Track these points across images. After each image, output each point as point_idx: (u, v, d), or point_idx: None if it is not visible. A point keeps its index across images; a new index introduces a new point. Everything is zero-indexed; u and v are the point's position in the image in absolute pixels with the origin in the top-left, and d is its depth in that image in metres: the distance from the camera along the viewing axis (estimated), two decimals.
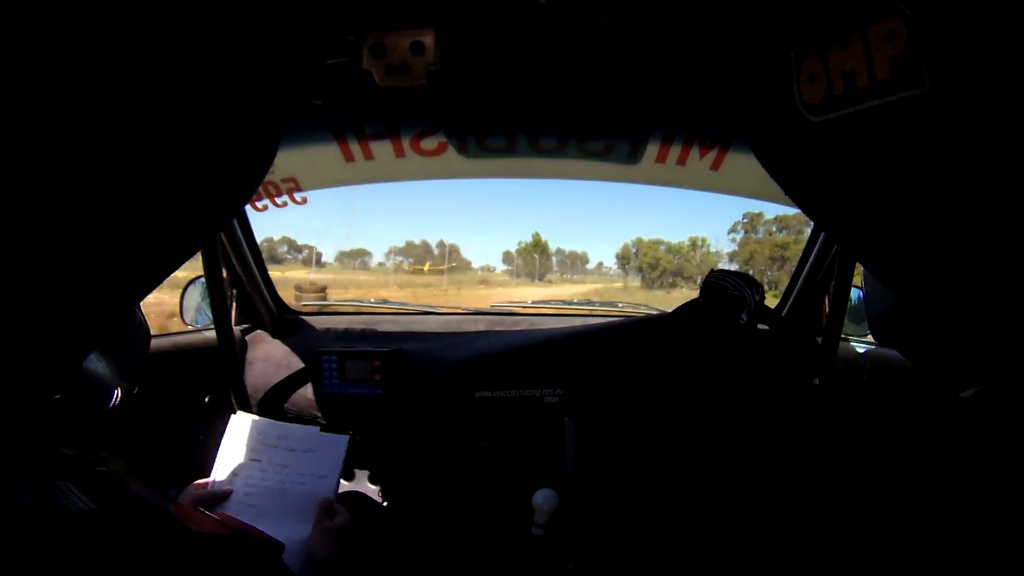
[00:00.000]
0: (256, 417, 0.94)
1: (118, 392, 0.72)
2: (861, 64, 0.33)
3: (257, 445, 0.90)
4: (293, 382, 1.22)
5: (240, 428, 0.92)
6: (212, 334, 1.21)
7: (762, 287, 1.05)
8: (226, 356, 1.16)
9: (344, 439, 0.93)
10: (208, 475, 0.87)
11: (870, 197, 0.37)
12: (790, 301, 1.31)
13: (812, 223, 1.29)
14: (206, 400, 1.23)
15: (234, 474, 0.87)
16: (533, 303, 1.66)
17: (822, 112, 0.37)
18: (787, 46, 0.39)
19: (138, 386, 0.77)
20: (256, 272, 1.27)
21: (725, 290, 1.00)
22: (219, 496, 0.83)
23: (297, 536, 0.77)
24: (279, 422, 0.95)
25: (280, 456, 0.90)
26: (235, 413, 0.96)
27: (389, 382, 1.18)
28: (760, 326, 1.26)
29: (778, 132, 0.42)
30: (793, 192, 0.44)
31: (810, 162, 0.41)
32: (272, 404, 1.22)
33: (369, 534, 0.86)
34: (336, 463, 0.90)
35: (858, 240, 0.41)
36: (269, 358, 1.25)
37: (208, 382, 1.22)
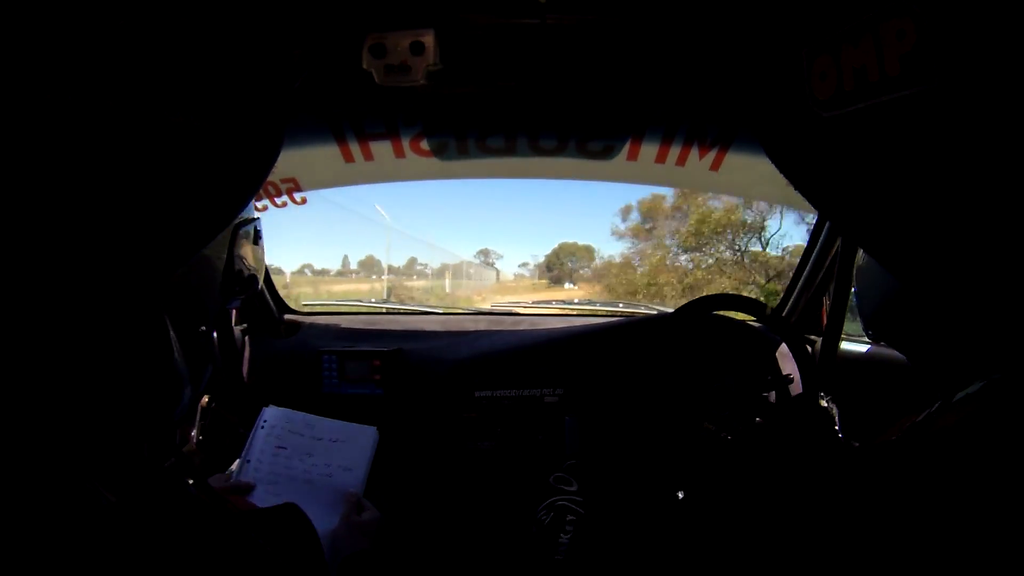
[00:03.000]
0: (287, 409, 0.93)
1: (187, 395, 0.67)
2: (872, 61, 0.33)
3: (283, 434, 0.90)
4: (293, 382, 1.22)
5: (268, 419, 0.92)
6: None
7: None
8: (226, 356, 1.16)
9: (372, 430, 0.92)
10: (217, 471, 0.87)
11: (881, 192, 0.37)
12: (790, 301, 1.31)
13: (807, 223, 1.29)
14: (206, 401, 1.23)
15: (259, 462, 0.86)
16: (534, 303, 1.67)
17: (833, 108, 0.37)
18: (798, 44, 0.39)
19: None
20: None
21: None
22: (240, 488, 0.82)
23: (321, 528, 0.74)
24: (307, 414, 0.94)
25: (306, 445, 0.89)
26: (267, 407, 0.94)
27: (389, 382, 1.19)
28: (755, 323, 1.26)
29: (789, 128, 0.43)
30: (803, 187, 0.44)
31: (821, 157, 0.41)
32: (272, 404, 1.22)
33: (396, 532, 0.85)
34: (363, 455, 0.89)
35: (868, 234, 0.41)
36: (269, 358, 1.25)
37: (208, 382, 1.22)
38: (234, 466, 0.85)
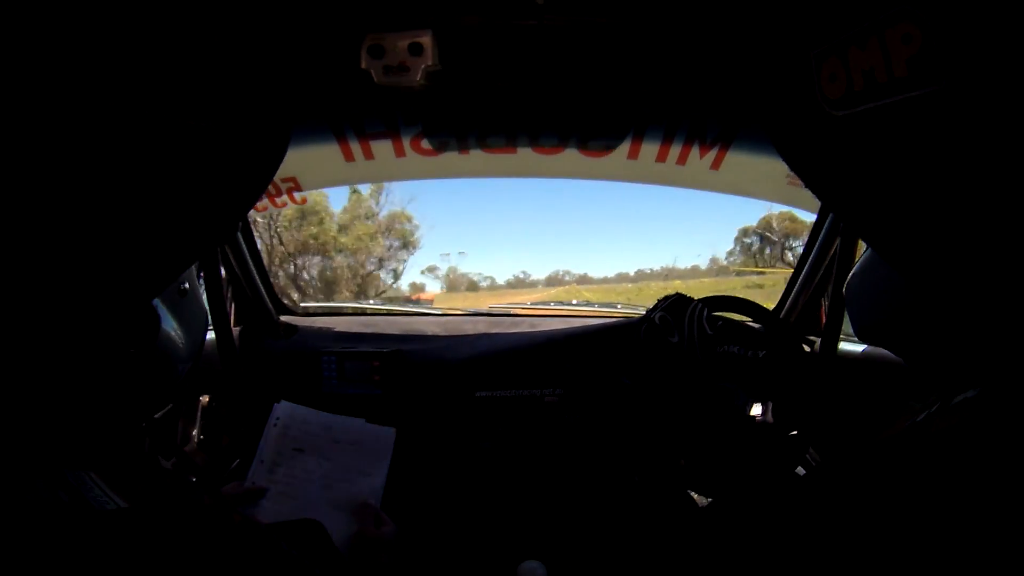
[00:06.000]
0: (300, 406, 0.90)
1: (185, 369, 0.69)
2: (880, 63, 0.34)
3: (300, 435, 0.86)
4: (292, 383, 1.21)
5: (283, 417, 0.88)
6: (211, 334, 1.20)
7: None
8: (225, 357, 1.16)
9: (390, 432, 0.89)
10: (216, 476, 0.86)
11: (890, 188, 0.37)
12: (789, 301, 1.31)
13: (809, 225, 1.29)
14: (205, 401, 1.23)
15: (276, 463, 0.82)
16: (532, 304, 1.67)
17: (844, 107, 0.38)
18: (806, 47, 0.40)
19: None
20: (255, 272, 1.27)
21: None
22: (255, 494, 0.79)
23: (337, 535, 0.73)
24: (323, 412, 0.91)
25: (325, 446, 0.86)
26: (279, 403, 0.91)
27: (389, 382, 1.19)
28: (755, 324, 1.26)
29: (801, 126, 0.43)
30: (814, 184, 0.45)
31: (832, 154, 0.41)
32: (271, 405, 1.22)
33: (413, 546, 0.82)
34: (382, 459, 0.86)
35: (875, 229, 0.42)
36: (268, 359, 1.25)
37: (207, 383, 1.22)
38: (251, 473, 0.82)
